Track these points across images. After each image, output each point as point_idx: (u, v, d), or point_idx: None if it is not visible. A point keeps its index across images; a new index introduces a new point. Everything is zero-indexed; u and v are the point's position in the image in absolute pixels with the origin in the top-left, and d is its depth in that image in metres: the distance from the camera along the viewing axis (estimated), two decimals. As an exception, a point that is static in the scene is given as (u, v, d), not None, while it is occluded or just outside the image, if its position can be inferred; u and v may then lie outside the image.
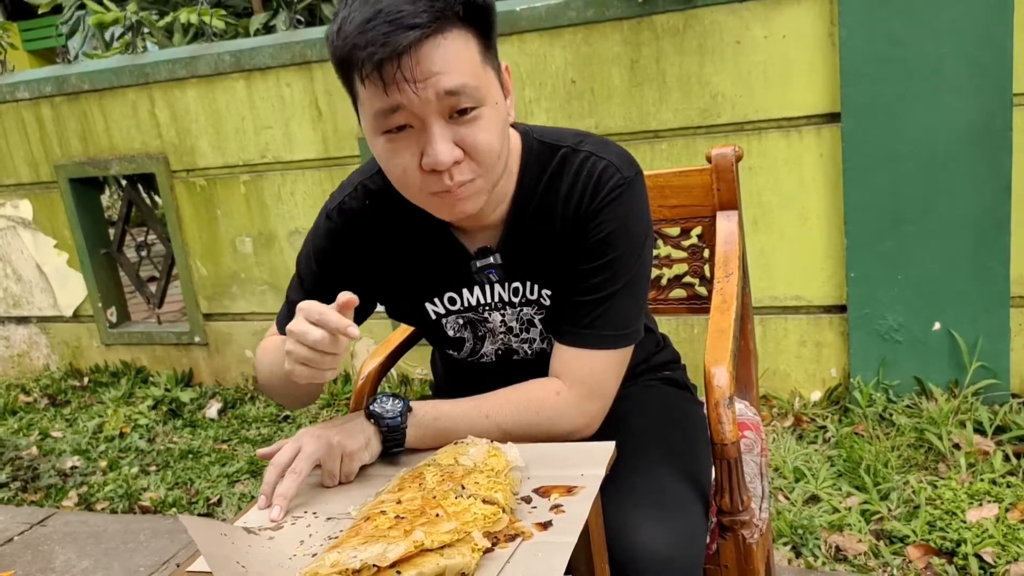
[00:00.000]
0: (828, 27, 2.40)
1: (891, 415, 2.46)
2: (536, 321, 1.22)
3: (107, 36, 3.81)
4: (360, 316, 1.25)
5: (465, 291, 1.22)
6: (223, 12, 3.59)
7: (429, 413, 1.11)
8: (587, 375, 1.13)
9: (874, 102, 2.37)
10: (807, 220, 2.57)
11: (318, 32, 3.05)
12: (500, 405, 1.12)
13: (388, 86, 0.96)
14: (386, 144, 1.02)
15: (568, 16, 2.62)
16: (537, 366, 1.20)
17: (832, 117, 2.46)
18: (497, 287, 1.21)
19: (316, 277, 1.24)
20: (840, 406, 2.62)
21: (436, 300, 1.23)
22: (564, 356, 1.15)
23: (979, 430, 2.33)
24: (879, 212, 2.44)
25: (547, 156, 1.16)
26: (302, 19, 3.35)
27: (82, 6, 3.89)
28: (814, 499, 2.19)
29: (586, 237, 1.13)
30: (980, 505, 2.02)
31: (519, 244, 1.18)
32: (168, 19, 3.59)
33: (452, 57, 0.97)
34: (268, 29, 3.52)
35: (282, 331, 1.23)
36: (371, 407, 1.09)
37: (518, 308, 1.22)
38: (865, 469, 2.21)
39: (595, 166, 1.13)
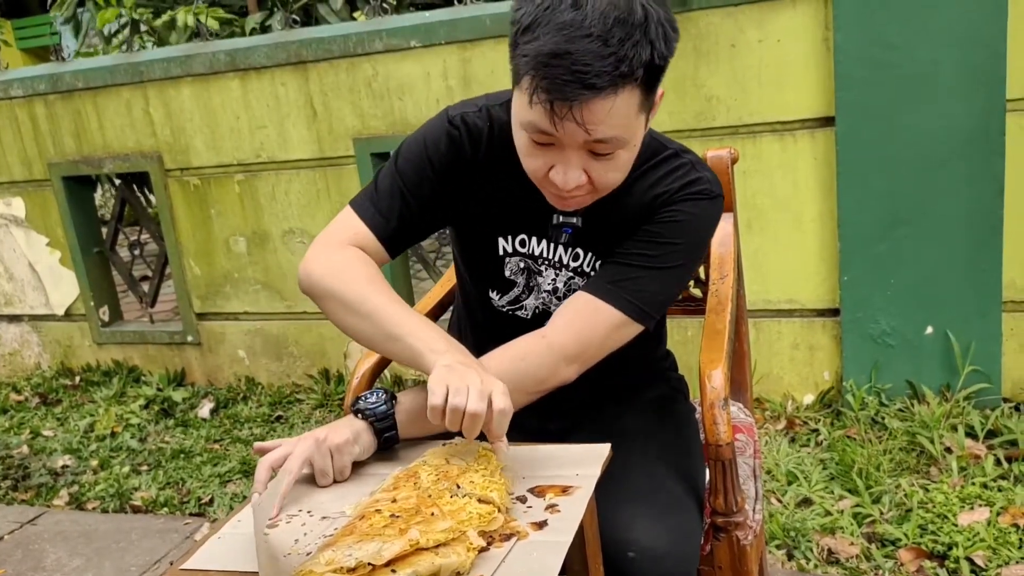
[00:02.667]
0: (822, 31, 2.41)
1: (883, 418, 2.46)
2: None
3: (106, 31, 3.80)
4: (424, 233, 1.28)
5: (535, 239, 1.26)
6: (219, 12, 3.59)
7: (421, 393, 1.11)
8: (582, 318, 1.16)
9: (868, 106, 2.38)
10: (801, 223, 2.57)
11: (313, 32, 3.04)
12: (489, 362, 1.13)
13: (551, 118, 1.01)
14: (526, 142, 1.09)
15: (564, 18, 2.62)
16: None
17: (826, 121, 2.47)
18: (561, 249, 1.25)
19: (417, 168, 1.23)
20: (832, 409, 2.63)
21: (510, 237, 1.27)
22: (573, 299, 1.19)
23: (971, 434, 2.34)
24: (872, 216, 2.45)
25: (653, 151, 1.21)
26: (298, 19, 3.35)
27: (81, 3, 3.88)
28: (806, 502, 2.20)
29: (652, 219, 1.18)
30: (972, 509, 2.03)
31: (600, 215, 1.22)
32: (165, 18, 3.59)
33: (615, 114, 1.01)
34: (264, 29, 3.53)
35: (362, 215, 1.23)
36: (356, 403, 1.11)
37: (570, 275, 1.26)
38: (857, 472, 2.22)
39: (689, 173, 1.20)
